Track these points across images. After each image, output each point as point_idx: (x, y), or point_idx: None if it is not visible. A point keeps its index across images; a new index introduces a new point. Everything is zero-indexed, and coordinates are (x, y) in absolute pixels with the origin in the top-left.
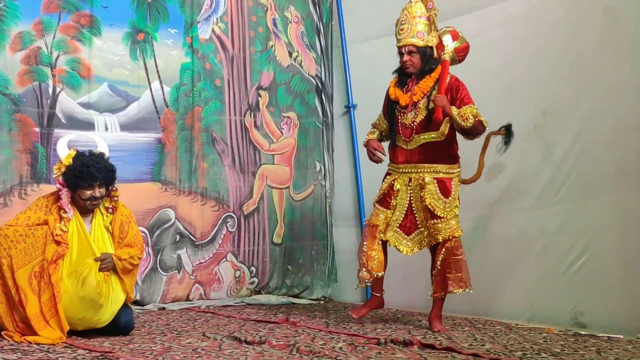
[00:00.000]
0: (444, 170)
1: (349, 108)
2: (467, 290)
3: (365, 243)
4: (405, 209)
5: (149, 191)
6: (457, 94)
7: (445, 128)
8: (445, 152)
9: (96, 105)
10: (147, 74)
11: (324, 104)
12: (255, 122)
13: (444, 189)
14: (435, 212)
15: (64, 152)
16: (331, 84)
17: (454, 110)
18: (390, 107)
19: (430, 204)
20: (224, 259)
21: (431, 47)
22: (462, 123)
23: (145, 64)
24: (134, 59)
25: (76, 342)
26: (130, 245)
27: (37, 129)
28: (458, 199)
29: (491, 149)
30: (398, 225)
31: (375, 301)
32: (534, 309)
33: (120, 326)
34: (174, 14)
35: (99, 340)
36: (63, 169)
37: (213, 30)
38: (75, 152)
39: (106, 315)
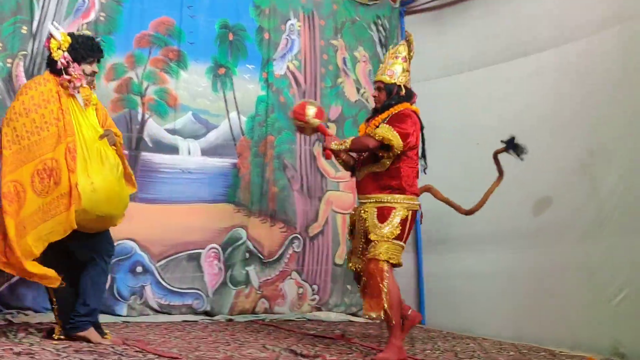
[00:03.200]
0: (386, 200)
1: None
2: (375, 314)
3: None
4: (363, 236)
5: (223, 211)
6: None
7: (387, 161)
8: (388, 183)
9: (180, 131)
10: (226, 105)
11: None
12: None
13: (381, 214)
14: (369, 236)
15: (58, 33)
16: None
17: (334, 145)
18: None
19: (367, 227)
20: (289, 277)
21: (399, 86)
22: (341, 147)
23: (224, 96)
24: (215, 90)
25: (147, 347)
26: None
27: (126, 152)
28: (399, 228)
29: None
30: (359, 252)
31: (406, 323)
32: (576, 338)
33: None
34: (253, 52)
35: (167, 347)
36: (66, 45)
37: (287, 67)
38: (68, 33)
39: (120, 208)
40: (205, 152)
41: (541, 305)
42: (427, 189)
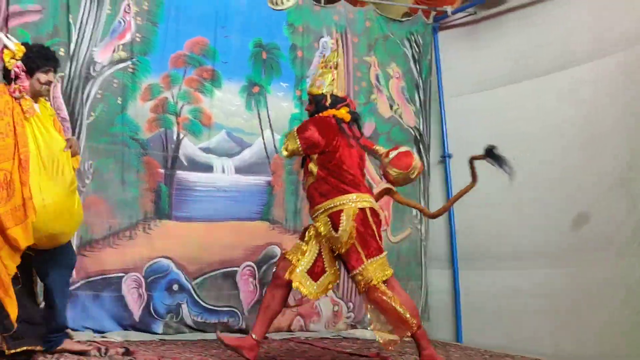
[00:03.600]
0: (333, 204)
1: (445, 157)
2: (410, 333)
3: None
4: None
5: (258, 229)
6: None
7: (314, 168)
8: (327, 188)
9: (215, 150)
10: (260, 123)
11: (422, 153)
12: None
13: (334, 223)
14: (339, 251)
15: (11, 43)
16: (428, 135)
17: None
18: None
19: (330, 240)
20: (324, 294)
21: (325, 95)
22: None
23: (259, 114)
24: (249, 109)
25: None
26: None
27: (162, 170)
28: (354, 230)
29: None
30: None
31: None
32: (616, 355)
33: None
34: (286, 70)
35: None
36: (20, 54)
37: None
38: (22, 42)
39: (71, 226)
40: (239, 170)
41: (580, 321)
42: (387, 191)
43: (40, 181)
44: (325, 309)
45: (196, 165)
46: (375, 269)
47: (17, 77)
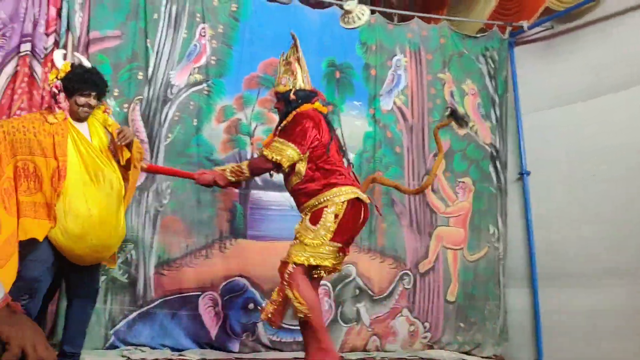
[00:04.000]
0: (317, 202)
1: (523, 175)
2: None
3: None
4: None
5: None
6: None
7: (302, 167)
8: (313, 187)
9: None
10: None
11: (498, 170)
12: (432, 186)
13: (314, 217)
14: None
15: (61, 62)
16: (505, 152)
17: (232, 177)
18: None
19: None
20: (400, 314)
21: (290, 90)
22: (241, 177)
23: None
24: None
25: None
26: None
27: (236, 190)
28: (334, 226)
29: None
30: None
31: None
32: None
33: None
34: (359, 88)
35: None
36: (62, 75)
37: (394, 102)
38: (70, 63)
39: (115, 238)
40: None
41: None
42: (373, 179)
43: (86, 191)
44: (402, 328)
45: (270, 185)
46: (301, 249)
47: (55, 96)
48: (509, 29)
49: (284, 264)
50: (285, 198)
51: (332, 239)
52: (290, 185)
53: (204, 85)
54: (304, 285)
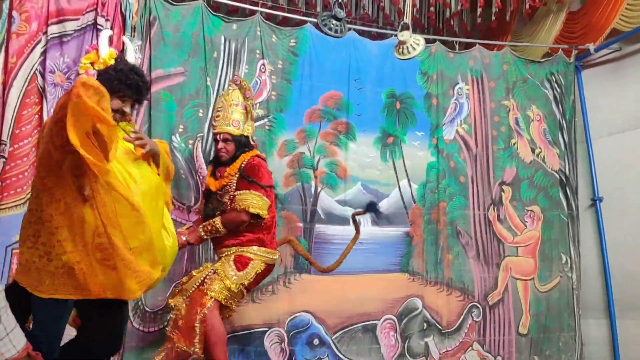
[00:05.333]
0: (246, 251)
1: (595, 201)
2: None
3: None
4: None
5: (397, 281)
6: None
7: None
8: (246, 235)
9: (351, 202)
10: (396, 173)
11: (569, 197)
12: (498, 215)
13: (239, 261)
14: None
15: (105, 48)
16: (576, 178)
17: (204, 235)
18: (207, 196)
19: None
20: (470, 348)
21: (246, 137)
22: (218, 234)
23: (394, 164)
24: (384, 160)
25: None
26: None
27: (301, 224)
28: (252, 280)
29: None
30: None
31: None
32: None
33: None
34: (421, 118)
35: None
36: (101, 66)
37: (457, 131)
38: (115, 53)
39: (168, 258)
40: (376, 221)
41: None
42: (287, 240)
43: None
44: None
45: (333, 218)
46: (223, 289)
47: None
48: (574, 52)
49: (202, 293)
50: (347, 232)
51: (246, 289)
52: (213, 212)
53: (266, 120)
54: (218, 322)
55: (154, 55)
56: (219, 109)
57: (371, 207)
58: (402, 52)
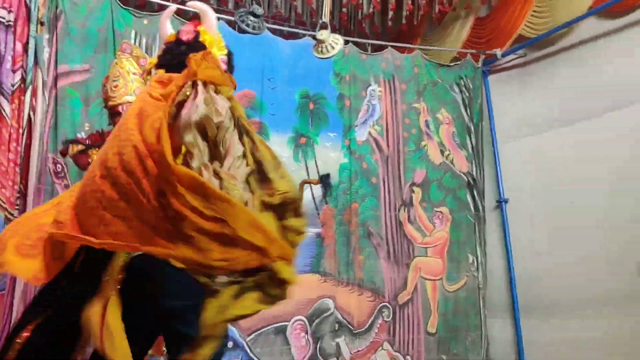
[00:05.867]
0: None
1: (501, 203)
2: None
3: None
4: None
5: (309, 282)
6: None
7: None
8: None
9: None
10: (308, 174)
11: (476, 199)
12: (409, 216)
13: None
14: None
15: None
16: (482, 180)
17: None
18: None
19: None
20: (380, 348)
21: None
22: None
23: (306, 165)
24: (296, 160)
25: None
26: None
27: None
28: None
29: None
30: None
31: None
32: None
33: None
34: (334, 119)
35: None
36: (225, 52)
37: (369, 133)
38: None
39: None
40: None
41: None
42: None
43: None
44: None
45: None
46: None
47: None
48: (482, 57)
49: None
50: None
51: None
52: None
53: None
54: None
55: (60, 50)
56: (115, 79)
57: (326, 179)
58: (321, 51)
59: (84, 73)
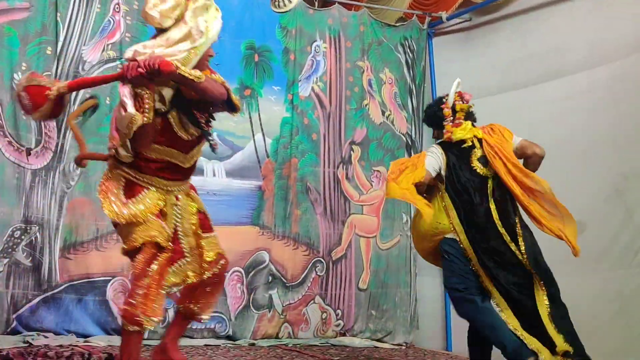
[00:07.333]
0: None
1: None
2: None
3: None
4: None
5: (247, 234)
6: None
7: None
8: None
9: (205, 153)
10: (252, 127)
11: None
12: (347, 174)
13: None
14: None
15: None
16: (421, 141)
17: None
18: None
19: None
20: (312, 301)
21: None
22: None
23: (250, 118)
24: (240, 112)
25: None
26: None
27: None
28: None
29: None
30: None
31: None
32: None
33: None
34: (278, 73)
35: None
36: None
37: (312, 89)
38: None
39: None
40: (230, 173)
41: None
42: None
43: None
44: (314, 316)
45: None
46: None
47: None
48: (428, 19)
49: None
50: (201, 182)
51: None
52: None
53: (118, 62)
54: None
55: None
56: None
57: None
58: (278, 5)
59: (24, 11)
